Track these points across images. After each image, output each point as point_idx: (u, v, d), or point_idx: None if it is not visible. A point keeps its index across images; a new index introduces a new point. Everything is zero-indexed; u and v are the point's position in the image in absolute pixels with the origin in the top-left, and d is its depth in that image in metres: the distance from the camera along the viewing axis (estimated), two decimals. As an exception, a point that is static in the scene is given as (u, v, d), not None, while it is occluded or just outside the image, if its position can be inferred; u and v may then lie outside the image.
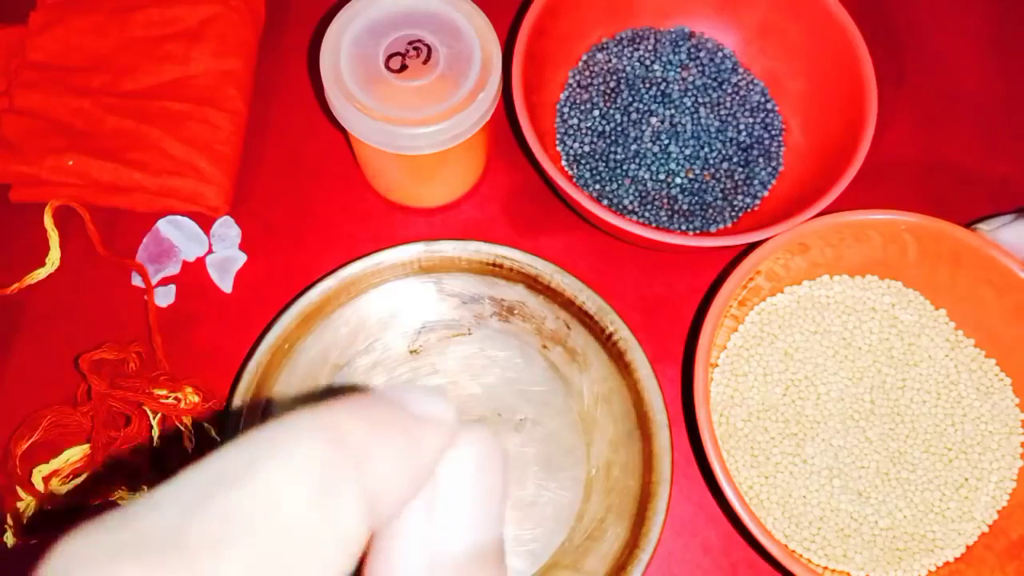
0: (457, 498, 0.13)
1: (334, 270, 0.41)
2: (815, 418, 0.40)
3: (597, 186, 0.45)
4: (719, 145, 0.46)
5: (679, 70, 0.47)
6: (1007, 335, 0.40)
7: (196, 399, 0.41)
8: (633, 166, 0.45)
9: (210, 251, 0.45)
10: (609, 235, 0.45)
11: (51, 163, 0.44)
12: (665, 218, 0.45)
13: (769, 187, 0.46)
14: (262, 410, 0.39)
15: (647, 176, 0.45)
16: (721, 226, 0.45)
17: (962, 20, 0.53)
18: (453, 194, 0.46)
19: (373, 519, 0.11)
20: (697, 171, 0.46)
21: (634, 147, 0.46)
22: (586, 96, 0.47)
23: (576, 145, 0.46)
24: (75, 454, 0.40)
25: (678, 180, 0.45)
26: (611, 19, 0.48)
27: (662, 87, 0.47)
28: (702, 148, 0.46)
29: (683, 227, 0.45)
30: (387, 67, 0.38)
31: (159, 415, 0.41)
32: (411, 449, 0.12)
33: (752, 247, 0.40)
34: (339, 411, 0.12)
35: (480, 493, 0.13)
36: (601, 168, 0.46)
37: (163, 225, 0.45)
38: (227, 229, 0.46)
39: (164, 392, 0.41)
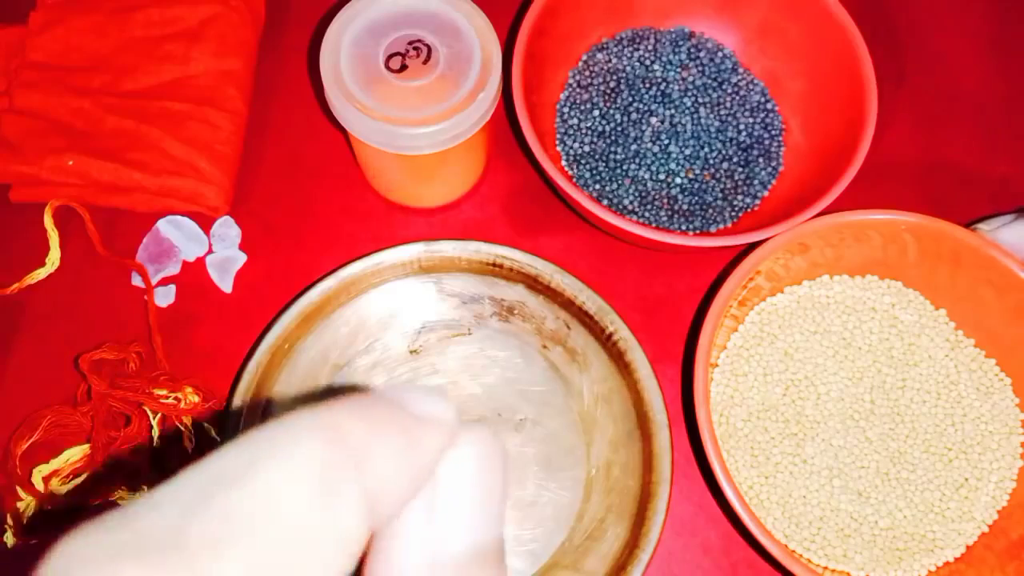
0: (457, 498, 0.13)
1: (334, 270, 0.41)
2: (815, 418, 0.40)
3: (597, 186, 0.45)
4: (719, 145, 0.46)
5: (679, 70, 0.47)
6: (1007, 335, 0.40)
7: (196, 399, 0.41)
8: (633, 166, 0.45)
9: (210, 251, 0.45)
10: (609, 235, 0.45)
11: (51, 163, 0.44)
12: (665, 218, 0.45)
13: (769, 187, 0.46)
14: (262, 410, 0.39)
15: (647, 176, 0.45)
16: (721, 226, 0.45)
17: (962, 20, 0.53)
18: (453, 194, 0.46)
19: (373, 519, 0.11)
20: (697, 171, 0.46)
21: (634, 147, 0.46)
22: (586, 96, 0.47)
23: (576, 145, 0.46)
24: (75, 454, 0.40)
25: (678, 180, 0.45)
26: (611, 19, 0.48)
27: (662, 87, 0.47)
28: (702, 148, 0.46)
29: (683, 227, 0.45)
30: (387, 67, 0.38)
31: (159, 415, 0.41)
32: (411, 449, 0.12)
33: (752, 247, 0.40)
34: (339, 411, 0.12)
35: (480, 493, 0.13)
36: (601, 168, 0.46)
37: (163, 225, 0.45)
38: (227, 229, 0.46)
39: (164, 392, 0.41)
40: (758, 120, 0.47)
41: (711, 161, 0.46)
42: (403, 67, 0.38)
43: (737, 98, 0.47)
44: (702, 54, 0.48)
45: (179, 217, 0.45)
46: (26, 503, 0.39)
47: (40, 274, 0.44)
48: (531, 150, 0.40)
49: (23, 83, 0.46)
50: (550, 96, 0.47)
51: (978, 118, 0.50)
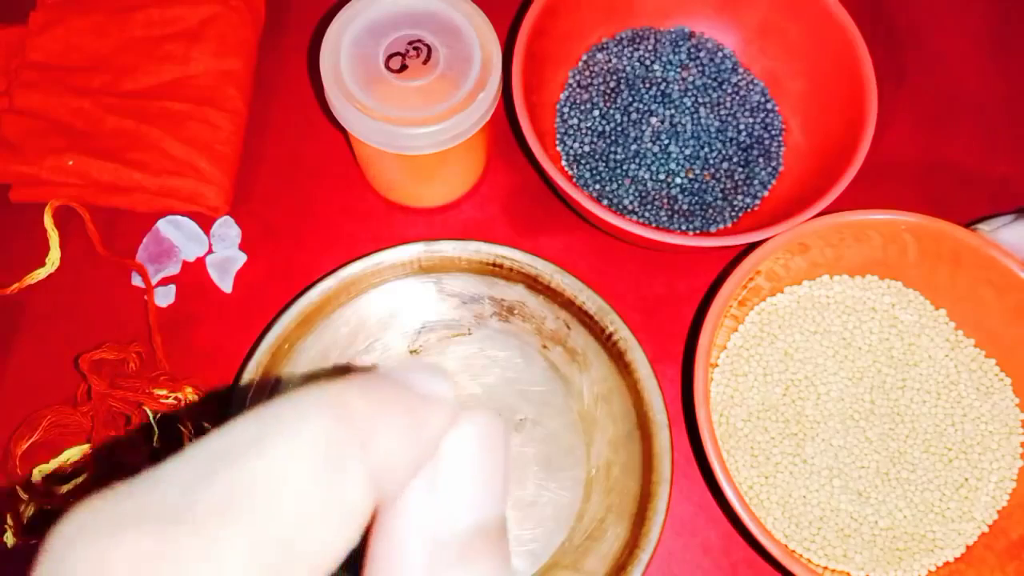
0: (459, 476, 0.13)
1: (334, 270, 0.41)
2: (815, 418, 0.40)
3: (597, 186, 0.45)
4: (719, 145, 0.46)
5: (679, 70, 0.47)
6: (1007, 335, 0.40)
7: (196, 399, 0.41)
8: (633, 166, 0.45)
9: (210, 251, 0.45)
10: (609, 235, 0.45)
11: (51, 163, 0.44)
12: (665, 218, 0.45)
13: (769, 187, 0.46)
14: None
15: (647, 176, 0.45)
16: (721, 226, 0.45)
17: (962, 20, 0.53)
18: (453, 194, 0.46)
19: (377, 494, 0.12)
20: (697, 171, 0.46)
21: (634, 147, 0.46)
22: (586, 96, 0.47)
23: (576, 145, 0.46)
24: (75, 454, 0.40)
25: (678, 180, 0.45)
26: (611, 19, 0.48)
27: (662, 87, 0.47)
28: (702, 148, 0.46)
29: (683, 227, 0.45)
30: (387, 67, 0.38)
31: (159, 415, 0.41)
32: (415, 427, 0.12)
33: (752, 247, 0.40)
34: (345, 389, 0.12)
35: (482, 471, 0.13)
36: (601, 168, 0.46)
37: (163, 225, 0.45)
38: (227, 229, 0.46)
39: (164, 392, 0.41)
40: (758, 120, 0.47)
41: (711, 161, 0.46)
42: (403, 67, 0.38)
43: (737, 98, 0.47)
44: (702, 54, 0.48)
45: (179, 217, 0.45)
46: (26, 503, 0.39)
47: (40, 274, 0.44)
48: (531, 150, 0.40)
49: (23, 83, 0.46)
50: (550, 96, 0.47)
51: (978, 118, 0.50)
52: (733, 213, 0.45)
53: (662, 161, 0.45)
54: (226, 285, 0.45)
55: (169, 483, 0.10)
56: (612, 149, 0.46)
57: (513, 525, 0.40)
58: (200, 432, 0.41)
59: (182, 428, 0.40)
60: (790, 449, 0.40)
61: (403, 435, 0.12)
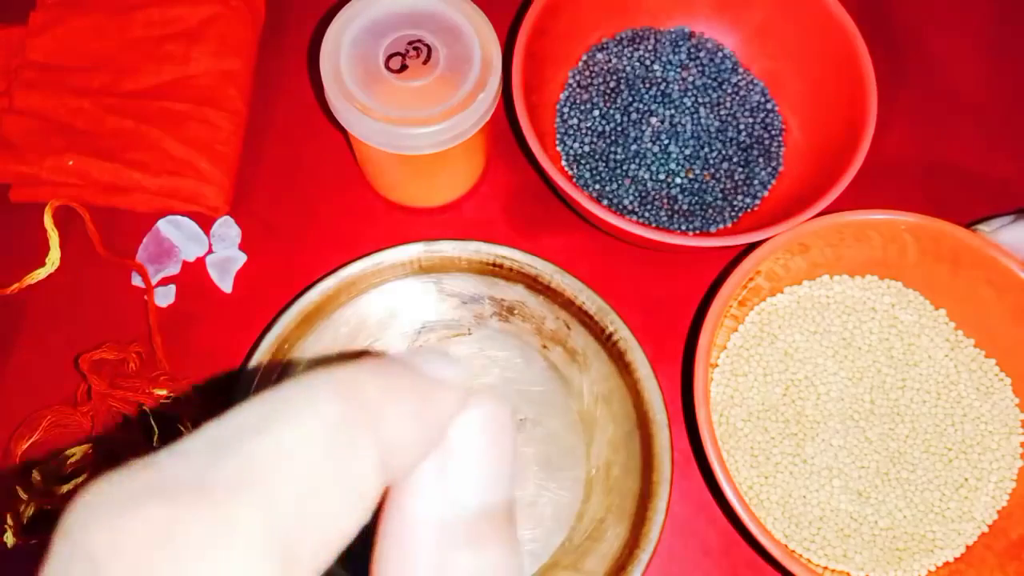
0: (468, 458, 0.13)
1: (334, 270, 0.41)
2: (815, 418, 0.40)
3: (597, 186, 0.45)
4: (719, 145, 0.46)
5: (679, 70, 0.47)
6: (1007, 335, 0.40)
7: (196, 399, 0.41)
8: (633, 166, 0.45)
9: (210, 251, 0.45)
10: (609, 235, 0.45)
11: (51, 163, 0.44)
12: (665, 218, 0.45)
13: (769, 187, 0.46)
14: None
15: (647, 176, 0.45)
16: (721, 226, 0.45)
17: (962, 20, 0.53)
18: (453, 194, 0.46)
19: (387, 474, 0.12)
20: (697, 171, 0.46)
21: (634, 147, 0.46)
22: (586, 96, 0.47)
23: (576, 145, 0.46)
24: (75, 454, 0.40)
25: (678, 180, 0.45)
26: (611, 19, 0.48)
27: (662, 87, 0.47)
28: (702, 148, 0.46)
29: (683, 227, 0.45)
30: (387, 67, 0.38)
31: (159, 415, 0.41)
32: (424, 409, 0.13)
33: (752, 247, 0.40)
34: (356, 371, 0.12)
35: (491, 455, 0.13)
36: (601, 168, 0.46)
37: (163, 225, 0.45)
38: (227, 229, 0.46)
39: (164, 392, 0.41)
40: (758, 120, 0.47)
41: (711, 161, 0.46)
42: (403, 67, 0.38)
43: (737, 98, 0.47)
44: (702, 54, 0.48)
45: (179, 217, 0.45)
46: (26, 503, 0.39)
47: (40, 274, 0.44)
48: (531, 150, 0.40)
49: (23, 83, 0.46)
50: (550, 96, 0.47)
51: (978, 118, 0.50)
52: (733, 213, 0.45)
53: (662, 161, 0.45)
54: (226, 285, 0.45)
55: (184, 459, 0.11)
56: (612, 149, 0.46)
57: (513, 525, 0.40)
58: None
59: (182, 428, 0.40)
60: (790, 449, 0.40)
61: (413, 418, 0.12)
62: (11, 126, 0.45)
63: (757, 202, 0.46)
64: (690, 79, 0.47)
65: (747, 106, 0.47)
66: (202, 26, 0.47)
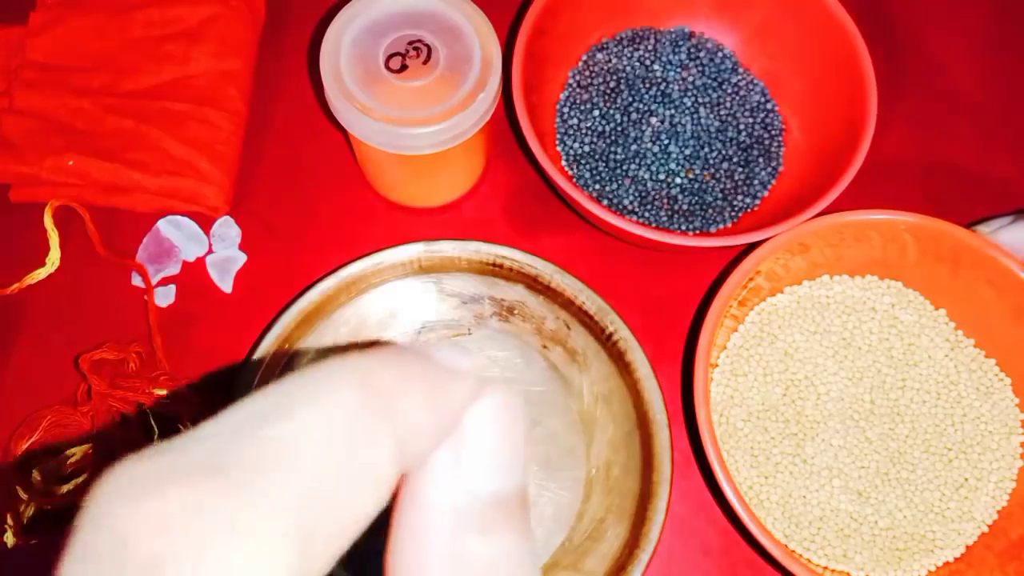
0: (481, 447, 0.13)
1: (334, 270, 0.41)
2: (815, 418, 0.40)
3: (597, 186, 0.45)
4: (719, 145, 0.46)
5: (679, 70, 0.47)
6: (1007, 335, 0.40)
7: (196, 399, 0.41)
8: (633, 166, 0.45)
9: (210, 251, 0.45)
10: (609, 235, 0.45)
11: (51, 163, 0.44)
12: (665, 218, 0.45)
13: (769, 187, 0.46)
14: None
15: (647, 176, 0.45)
16: (721, 226, 0.45)
17: (962, 20, 0.53)
18: (453, 194, 0.46)
19: (403, 461, 0.12)
20: (697, 171, 0.46)
21: (634, 147, 0.46)
22: (586, 96, 0.47)
23: (576, 145, 0.46)
24: (75, 454, 0.40)
25: (678, 180, 0.45)
26: (611, 19, 0.48)
27: (662, 87, 0.47)
28: (702, 148, 0.46)
29: (683, 227, 0.45)
30: (387, 67, 0.38)
31: (159, 415, 0.41)
32: (438, 398, 0.13)
33: (752, 247, 0.40)
34: (372, 359, 0.12)
35: (503, 443, 0.14)
36: (601, 168, 0.46)
37: (163, 225, 0.45)
38: (227, 229, 0.46)
39: (164, 392, 0.41)
40: (758, 120, 0.47)
41: (711, 161, 0.46)
42: (403, 67, 0.38)
43: (737, 98, 0.47)
44: (702, 54, 0.48)
45: (179, 217, 0.45)
46: (26, 503, 0.39)
47: (40, 274, 0.44)
48: (531, 150, 0.40)
49: (23, 83, 0.46)
50: (550, 96, 0.47)
51: (978, 118, 0.50)
52: (733, 213, 0.45)
53: (662, 161, 0.45)
54: (226, 285, 0.45)
55: (206, 442, 0.11)
56: (612, 149, 0.46)
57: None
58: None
59: (182, 428, 0.40)
60: (790, 449, 0.40)
61: (428, 406, 0.13)
62: (11, 126, 0.45)
63: (757, 202, 0.46)
64: (690, 79, 0.47)
65: (747, 106, 0.47)
66: (202, 26, 0.47)
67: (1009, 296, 0.39)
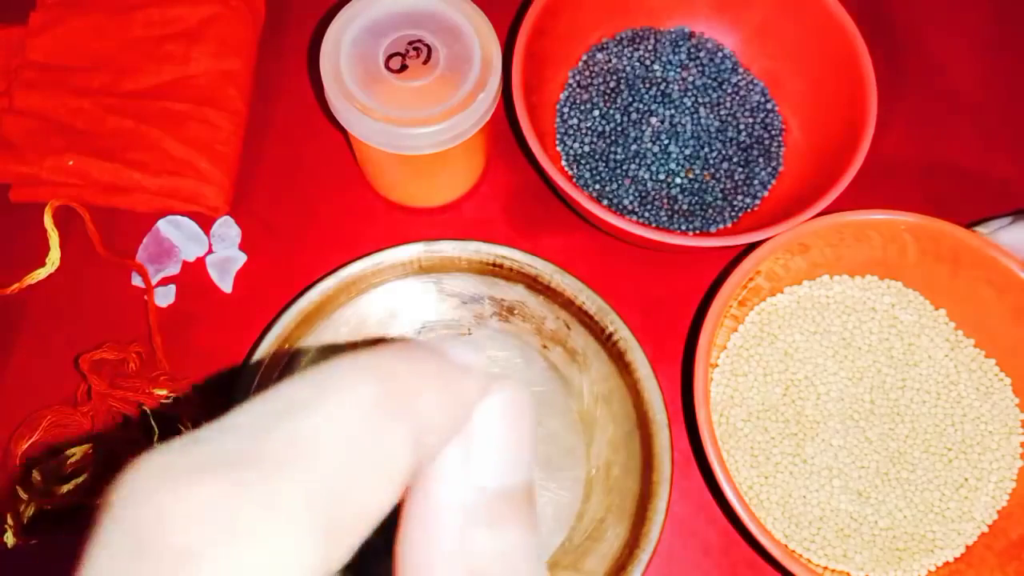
0: (490, 442, 0.14)
1: (334, 270, 0.41)
2: (815, 418, 0.40)
3: (597, 186, 0.45)
4: (719, 145, 0.46)
5: (679, 70, 0.47)
6: (1007, 335, 0.40)
7: (196, 399, 0.41)
8: (633, 166, 0.45)
9: (210, 251, 0.45)
10: (609, 235, 0.45)
11: (51, 163, 0.44)
12: (665, 218, 0.45)
13: (769, 187, 0.46)
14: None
15: (647, 176, 0.45)
16: (721, 226, 0.45)
17: (962, 20, 0.53)
18: (453, 194, 0.46)
19: (418, 455, 0.12)
20: (697, 171, 0.46)
21: (634, 147, 0.46)
22: (586, 96, 0.47)
23: (576, 145, 0.46)
24: (75, 454, 0.40)
25: (678, 180, 0.45)
26: (611, 19, 0.48)
27: (662, 87, 0.47)
28: (702, 148, 0.46)
29: (683, 227, 0.45)
30: (387, 67, 0.38)
31: (159, 415, 0.41)
32: (453, 395, 0.13)
33: (752, 247, 0.40)
34: (389, 355, 0.13)
35: (511, 439, 0.14)
36: (601, 168, 0.46)
37: (163, 225, 0.45)
38: (227, 229, 0.46)
39: (164, 392, 0.41)
40: (758, 120, 0.47)
41: (711, 161, 0.46)
42: (403, 67, 0.38)
43: (737, 98, 0.47)
44: (702, 54, 0.48)
45: (179, 217, 0.45)
46: (26, 503, 0.39)
47: (40, 274, 0.44)
48: (531, 150, 0.40)
49: (23, 83, 0.46)
50: (550, 96, 0.47)
51: (978, 118, 0.50)
52: (733, 213, 0.45)
53: (662, 161, 0.45)
54: (226, 285, 0.45)
55: (232, 434, 0.11)
56: (612, 149, 0.46)
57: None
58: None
59: (182, 428, 0.40)
60: (790, 449, 0.40)
61: (442, 402, 0.13)
62: (11, 126, 0.45)
63: (757, 202, 0.46)
64: (690, 79, 0.47)
65: (747, 106, 0.47)
66: (202, 26, 0.47)
67: (1009, 296, 0.39)
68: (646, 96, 0.46)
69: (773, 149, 0.46)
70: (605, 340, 0.40)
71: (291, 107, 0.49)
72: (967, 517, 0.39)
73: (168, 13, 0.47)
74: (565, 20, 0.45)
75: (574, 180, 0.46)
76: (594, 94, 0.47)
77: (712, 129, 0.46)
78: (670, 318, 0.45)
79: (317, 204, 0.47)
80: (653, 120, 0.46)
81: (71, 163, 0.44)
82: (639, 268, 0.46)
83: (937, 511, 0.39)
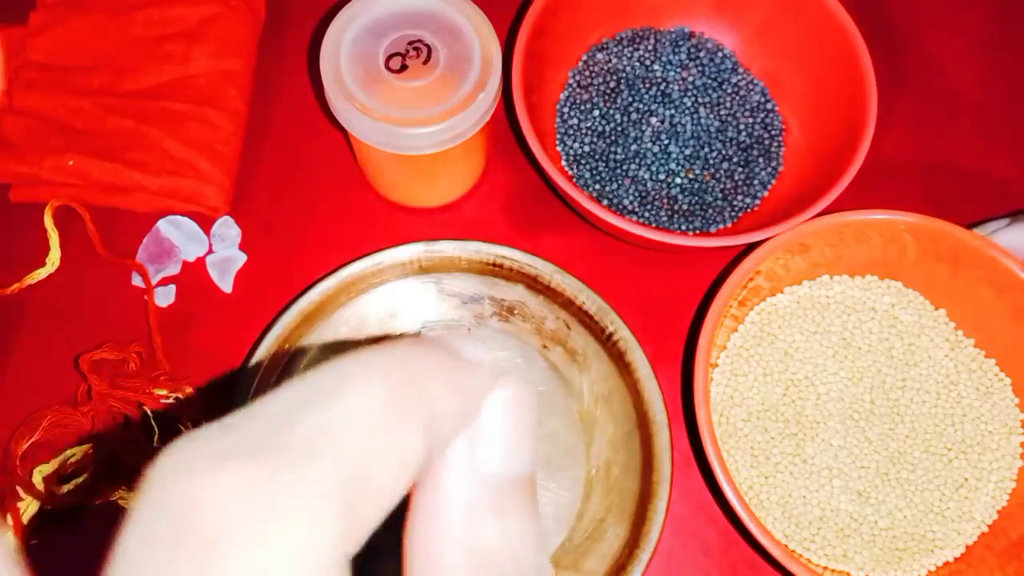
0: (496, 435, 0.14)
1: (334, 270, 0.41)
2: (815, 418, 0.40)
3: (597, 186, 0.45)
4: (719, 145, 0.46)
5: (679, 70, 0.47)
6: (1007, 335, 0.40)
7: (196, 399, 0.41)
8: (633, 166, 0.45)
9: (210, 251, 0.45)
10: (609, 235, 0.45)
11: (51, 163, 0.44)
12: (665, 218, 0.45)
13: (769, 187, 0.46)
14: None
15: (647, 176, 0.45)
16: (721, 226, 0.45)
17: (962, 20, 0.53)
18: (453, 194, 0.46)
19: (429, 444, 0.13)
20: (697, 171, 0.46)
21: (634, 147, 0.46)
22: (586, 96, 0.47)
23: (576, 145, 0.46)
24: (75, 454, 0.40)
25: (678, 180, 0.45)
26: (611, 19, 0.48)
27: (662, 87, 0.47)
28: (702, 148, 0.46)
29: (683, 227, 0.45)
30: (387, 67, 0.38)
31: (159, 415, 0.41)
32: (461, 387, 0.14)
33: (752, 247, 0.40)
34: (402, 351, 0.13)
35: (515, 432, 0.14)
36: (601, 168, 0.46)
37: (163, 225, 0.45)
38: (227, 229, 0.46)
39: (164, 392, 0.41)
40: (758, 120, 0.47)
41: (711, 161, 0.46)
42: (403, 67, 0.38)
43: (737, 98, 0.47)
44: (702, 54, 0.48)
45: (179, 217, 0.45)
46: (26, 503, 0.39)
47: (40, 274, 0.44)
48: (531, 150, 0.40)
49: (23, 83, 0.46)
50: (550, 96, 0.47)
51: (978, 118, 0.50)
52: (733, 213, 0.46)
53: (662, 161, 0.45)
54: (226, 285, 0.45)
55: (261, 422, 0.12)
56: (612, 149, 0.46)
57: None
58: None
59: (182, 428, 0.40)
60: (790, 449, 0.40)
61: (452, 395, 0.13)
62: (11, 126, 0.45)
63: (757, 202, 0.46)
64: (690, 79, 0.47)
65: (747, 106, 0.47)
66: (202, 26, 0.47)
67: (1009, 296, 0.39)
68: (646, 96, 0.46)
69: (773, 149, 0.46)
70: (605, 340, 0.40)
71: (291, 107, 0.49)
72: (967, 517, 0.39)
73: (168, 13, 0.47)
74: (565, 20, 0.45)
75: (574, 180, 0.46)
76: (594, 94, 0.47)
77: (712, 129, 0.46)
78: (670, 318, 0.45)
79: (317, 204, 0.47)
80: (653, 120, 0.46)
81: (71, 163, 0.44)
82: (639, 268, 0.46)
83: (937, 511, 0.39)
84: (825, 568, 0.39)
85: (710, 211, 0.45)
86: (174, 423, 0.41)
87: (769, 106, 0.47)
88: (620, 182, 0.45)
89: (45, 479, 0.40)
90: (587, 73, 0.47)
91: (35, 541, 0.39)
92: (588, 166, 0.46)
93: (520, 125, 0.40)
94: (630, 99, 0.46)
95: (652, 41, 0.48)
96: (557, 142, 0.47)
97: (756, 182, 0.46)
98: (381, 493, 0.12)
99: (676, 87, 0.47)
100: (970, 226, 0.42)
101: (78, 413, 0.41)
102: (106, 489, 0.39)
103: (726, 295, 0.39)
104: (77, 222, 0.45)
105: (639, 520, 0.37)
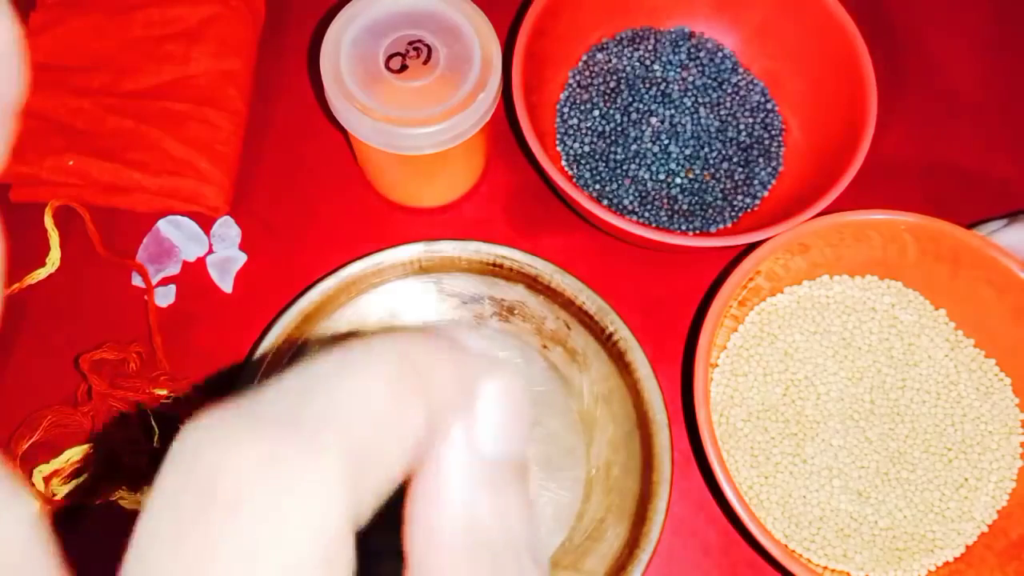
0: (491, 418, 0.15)
1: (334, 270, 0.41)
2: (815, 418, 0.40)
3: (597, 186, 0.45)
4: (719, 145, 0.46)
5: (679, 70, 0.47)
6: (1007, 335, 0.40)
7: (196, 399, 0.41)
8: (633, 166, 0.45)
9: (210, 251, 0.45)
10: (609, 235, 0.45)
11: (51, 163, 0.44)
12: (665, 218, 0.45)
13: (769, 187, 0.46)
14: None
15: (647, 176, 0.45)
16: (721, 226, 0.45)
17: (962, 20, 0.53)
18: (453, 194, 0.46)
19: (430, 426, 0.14)
20: (697, 171, 0.46)
21: (634, 147, 0.46)
22: (586, 96, 0.47)
23: (576, 145, 0.46)
24: (75, 454, 0.40)
25: (678, 180, 0.45)
26: (611, 19, 0.48)
27: (662, 87, 0.47)
28: (702, 148, 0.46)
29: (683, 227, 0.45)
30: (387, 67, 0.38)
31: (159, 415, 0.41)
32: (462, 375, 0.15)
33: (752, 247, 0.40)
34: (408, 337, 0.14)
35: (510, 416, 0.15)
36: (601, 168, 0.46)
37: (163, 225, 0.45)
38: (227, 229, 0.46)
39: (164, 392, 0.41)
40: (758, 120, 0.47)
41: (711, 161, 0.46)
42: (403, 67, 0.38)
43: (737, 98, 0.47)
44: (702, 54, 0.48)
45: (179, 217, 0.45)
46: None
47: (40, 274, 0.44)
48: (531, 150, 0.40)
49: (23, 83, 0.46)
50: (550, 96, 0.47)
51: (978, 118, 0.50)
52: (733, 213, 0.46)
53: (662, 161, 0.45)
54: (226, 285, 0.45)
55: (281, 396, 0.12)
56: (612, 149, 0.46)
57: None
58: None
59: (181, 428, 0.40)
60: (790, 449, 0.40)
61: (453, 381, 0.14)
62: (11, 126, 0.45)
63: (757, 202, 0.46)
64: (690, 79, 0.47)
65: (747, 106, 0.47)
66: (202, 26, 0.47)
67: (1009, 296, 0.39)
68: (646, 96, 0.46)
69: (773, 149, 0.46)
70: (605, 340, 0.40)
71: (291, 107, 0.49)
72: (967, 517, 0.39)
73: (168, 13, 0.47)
74: (565, 20, 0.45)
75: (574, 180, 0.46)
76: (594, 94, 0.47)
77: (712, 129, 0.46)
78: (670, 318, 0.45)
79: (317, 204, 0.47)
80: (653, 120, 0.46)
81: (71, 163, 0.44)
82: (639, 268, 0.46)
83: (937, 511, 0.39)
84: (825, 568, 0.39)
85: (710, 211, 0.45)
86: (174, 423, 0.41)
87: (769, 106, 0.47)
88: (620, 182, 0.45)
89: (45, 479, 0.40)
90: (587, 73, 0.47)
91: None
92: (588, 166, 0.46)
93: (520, 125, 0.40)
94: (630, 99, 0.46)
95: (652, 41, 0.48)
96: (557, 142, 0.47)
97: (756, 182, 0.46)
98: (385, 470, 0.13)
99: (676, 87, 0.47)
100: (970, 226, 0.42)
101: (78, 413, 0.41)
102: (106, 489, 0.39)
103: (726, 295, 0.39)
104: (77, 222, 0.45)
105: (639, 520, 0.37)
